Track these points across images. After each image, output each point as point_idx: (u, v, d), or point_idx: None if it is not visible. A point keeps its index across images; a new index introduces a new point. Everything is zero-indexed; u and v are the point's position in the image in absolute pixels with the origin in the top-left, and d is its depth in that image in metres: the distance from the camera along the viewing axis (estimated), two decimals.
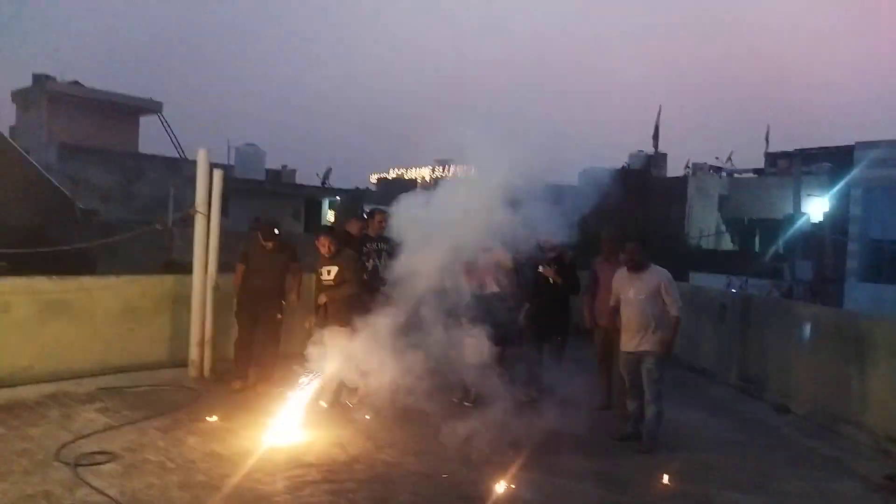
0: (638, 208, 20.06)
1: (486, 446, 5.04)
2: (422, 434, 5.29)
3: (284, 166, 31.01)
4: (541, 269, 6.45)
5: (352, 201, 26.44)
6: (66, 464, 4.20)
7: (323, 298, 5.86)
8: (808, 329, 6.84)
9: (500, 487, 4.28)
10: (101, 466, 4.22)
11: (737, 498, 4.45)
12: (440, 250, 6.83)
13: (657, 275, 5.42)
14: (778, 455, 5.48)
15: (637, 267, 5.45)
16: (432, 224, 6.94)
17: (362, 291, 5.93)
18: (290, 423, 5.11)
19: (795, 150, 23.54)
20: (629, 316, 5.43)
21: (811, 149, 22.17)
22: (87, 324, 6.35)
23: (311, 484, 4.17)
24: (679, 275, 14.16)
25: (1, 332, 5.82)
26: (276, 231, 6.23)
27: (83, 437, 4.72)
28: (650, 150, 24.33)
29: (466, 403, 6.07)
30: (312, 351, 5.41)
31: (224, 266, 6.78)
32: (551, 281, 6.42)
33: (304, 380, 5.55)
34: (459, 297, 6.10)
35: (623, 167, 24.35)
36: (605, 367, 6.45)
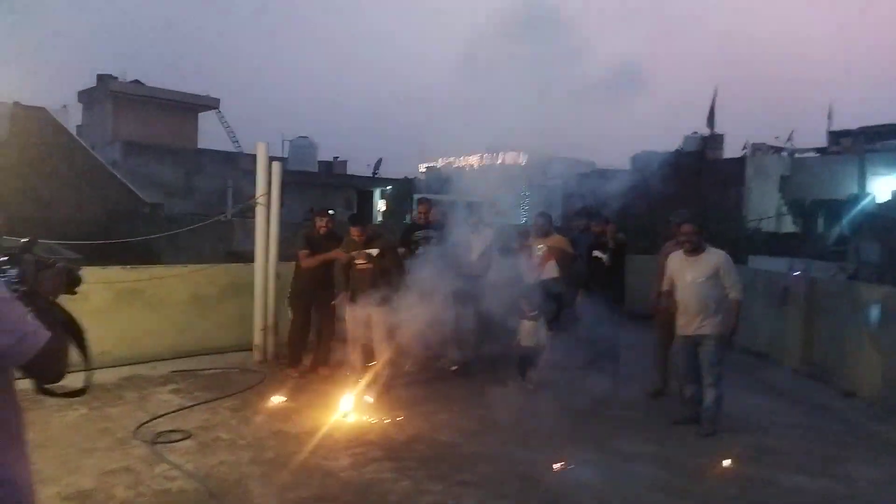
0: (693, 191, 19.59)
1: (544, 428, 5.11)
2: (479, 415, 5.38)
3: (336, 157, 31.50)
4: (596, 253, 6.44)
5: (401, 190, 26.67)
6: (145, 442, 4.47)
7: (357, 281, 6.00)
8: (876, 311, 6.60)
9: (559, 468, 4.34)
10: (177, 444, 4.48)
11: (801, 481, 4.37)
12: (489, 237, 6.95)
13: (715, 257, 5.33)
14: (843, 439, 5.35)
15: (693, 249, 5.37)
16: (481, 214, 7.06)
17: (401, 274, 6.03)
18: (349, 404, 5.28)
19: (859, 127, 22.54)
20: (686, 300, 5.36)
21: (876, 126, 21.17)
22: (158, 311, 6.69)
23: (374, 461, 4.32)
24: (738, 259, 13.81)
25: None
26: (332, 212, 6.44)
27: (159, 416, 5.00)
28: (706, 131, 23.66)
29: (529, 386, 6.14)
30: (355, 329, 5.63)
31: (282, 255, 7.00)
32: (605, 264, 6.41)
33: (358, 363, 5.74)
34: (516, 282, 6.20)
35: (677, 150, 23.80)
36: (663, 352, 6.38)
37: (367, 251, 5.94)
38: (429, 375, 6.53)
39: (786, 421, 5.81)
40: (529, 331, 6.12)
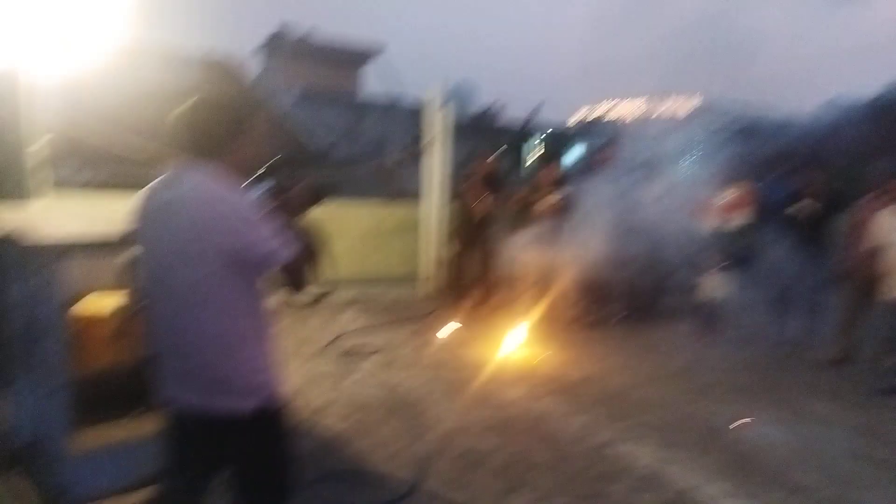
0: (893, 145, 17.20)
1: (726, 381, 4.90)
2: (654, 363, 5.26)
3: (496, 102, 31.43)
4: (803, 204, 5.88)
5: (555, 139, 26.11)
6: (341, 353, 4.90)
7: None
8: None
9: (743, 424, 4.14)
10: (367, 359, 4.85)
11: None
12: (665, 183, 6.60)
13: None
14: None
15: None
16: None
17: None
18: (521, 338, 5.39)
19: None
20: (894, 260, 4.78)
21: None
22: (340, 241, 7.19)
23: (550, 394, 4.39)
24: None
25: None
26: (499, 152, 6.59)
27: (349, 332, 5.44)
28: None
29: (709, 339, 5.91)
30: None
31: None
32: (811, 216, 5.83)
33: (531, 300, 5.80)
34: (695, 233, 5.89)
35: (879, 97, 20.94)
36: (851, 317, 5.71)
37: (554, 194, 6.02)
38: (597, 320, 6.47)
39: None
40: (714, 283, 5.82)
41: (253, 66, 27.97)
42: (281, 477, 1.93)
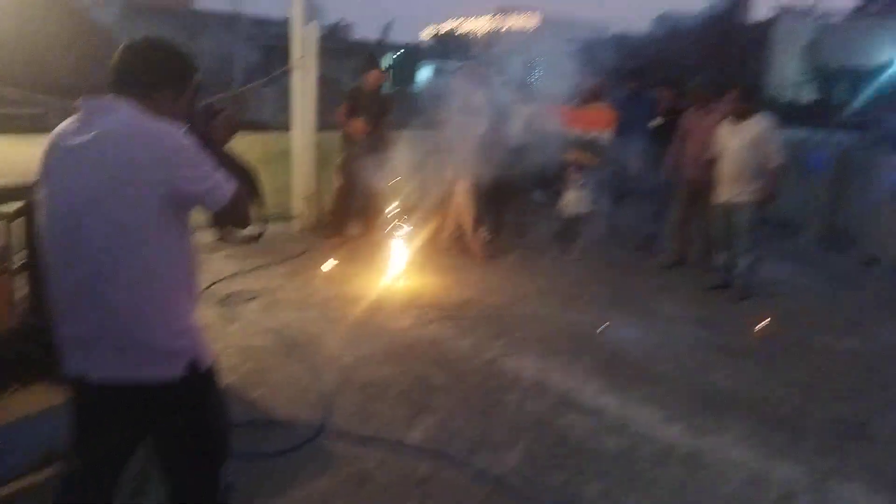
0: (718, 56, 18.94)
1: (587, 293, 5.39)
2: (524, 282, 5.64)
3: (340, 20, 30.11)
4: (658, 120, 6.35)
5: (408, 57, 25.70)
6: (215, 302, 4.73)
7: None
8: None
9: (607, 327, 4.63)
10: (248, 304, 4.75)
11: (831, 341, 4.68)
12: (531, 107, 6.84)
13: (758, 124, 5.27)
14: (867, 304, 5.64)
15: (740, 115, 5.32)
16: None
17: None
18: (400, 269, 5.52)
19: None
20: (727, 166, 5.37)
21: None
22: None
23: (435, 321, 4.60)
24: None
25: None
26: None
27: (221, 279, 5.24)
28: None
29: (572, 255, 6.37)
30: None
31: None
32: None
33: (404, 228, 5.89)
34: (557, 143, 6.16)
35: (703, 12, 22.68)
36: (683, 223, 6.39)
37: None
38: (465, 244, 6.75)
39: (812, 286, 6.09)
40: (575, 199, 6.23)
41: None
42: (218, 442, 1.88)
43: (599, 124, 6.19)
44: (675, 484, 2.86)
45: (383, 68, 6.45)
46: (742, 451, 3.13)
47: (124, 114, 1.64)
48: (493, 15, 39.98)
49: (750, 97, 5.35)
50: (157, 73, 1.73)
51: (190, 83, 1.80)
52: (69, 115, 1.72)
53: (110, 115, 1.64)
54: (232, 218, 1.78)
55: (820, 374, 4.09)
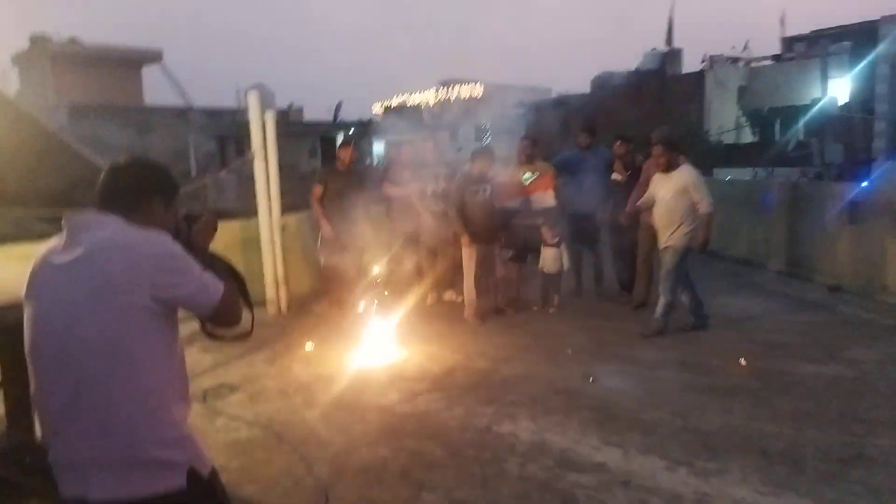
0: (656, 108, 19.85)
1: (571, 347, 5.41)
2: (506, 342, 5.63)
3: (291, 104, 30.64)
4: (616, 176, 6.54)
5: (361, 133, 26.26)
6: (196, 399, 4.58)
7: None
8: (854, 208, 7.01)
9: (592, 380, 4.64)
10: (229, 398, 4.61)
11: (814, 369, 4.77)
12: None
13: (684, 174, 5.52)
14: (839, 329, 5.79)
15: (666, 167, 5.58)
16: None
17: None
18: (381, 342, 5.47)
19: (812, 31, 22.90)
20: (659, 214, 5.63)
21: (829, 28, 21.53)
22: None
23: (422, 393, 4.53)
24: (703, 172, 14.26)
25: None
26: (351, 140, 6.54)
27: (198, 375, 5.09)
28: (664, 47, 23.73)
29: (551, 310, 6.52)
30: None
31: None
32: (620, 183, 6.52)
33: (371, 304, 5.88)
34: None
35: (637, 69, 23.88)
36: (645, 266, 6.55)
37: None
38: (440, 309, 6.77)
39: (783, 318, 6.24)
40: (552, 257, 6.39)
41: (11, 81, 24.52)
42: None
43: (544, 188, 6.43)
44: None
45: (351, 145, 6.61)
46: (747, 492, 3.12)
47: (109, 229, 1.67)
48: (438, 87, 41.32)
49: (674, 149, 5.64)
50: (147, 185, 1.79)
51: (177, 192, 1.86)
52: (18, 224, 1.74)
53: (96, 232, 1.66)
54: (224, 318, 1.80)
55: (807, 403, 4.15)
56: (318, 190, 6.48)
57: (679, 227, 5.47)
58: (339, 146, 6.60)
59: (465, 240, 6.16)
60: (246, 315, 1.91)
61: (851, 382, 4.50)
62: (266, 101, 6.86)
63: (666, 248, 5.57)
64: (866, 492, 3.06)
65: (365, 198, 6.47)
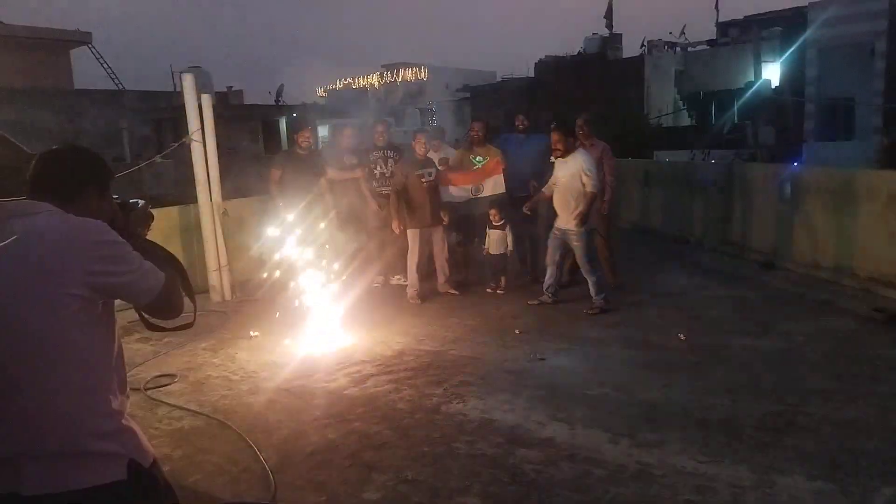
0: (596, 92, 20.17)
1: (518, 327, 5.47)
2: (454, 324, 5.66)
3: (230, 87, 29.75)
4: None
5: (304, 116, 25.77)
6: (135, 389, 4.43)
7: None
8: (787, 187, 7.31)
9: (541, 359, 4.71)
10: (170, 387, 4.48)
11: (749, 343, 4.97)
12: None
13: (579, 158, 5.68)
14: (773, 304, 6.05)
15: (563, 153, 5.72)
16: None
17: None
18: (327, 329, 5.40)
19: (745, 17, 23.62)
20: (556, 198, 5.81)
21: (761, 14, 22.24)
22: None
23: (371, 377, 4.51)
24: (643, 155, 14.62)
25: None
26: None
27: (138, 365, 4.93)
28: (605, 32, 24.10)
29: (499, 292, 6.57)
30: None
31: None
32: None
33: (323, 288, 5.80)
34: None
35: (578, 52, 24.17)
36: (605, 250, 6.60)
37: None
38: (388, 293, 6.75)
39: (720, 294, 6.47)
40: (497, 239, 6.42)
41: None
42: None
43: (496, 172, 6.45)
44: (633, 501, 2.91)
45: (309, 128, 6.48)
46: (687, 460, 3.23)
47: (43, 216, 1.58)
48: (383, 71, 40.92)
49: (569, 134, 5.80)
50: (80, 173, 1.71)
51: (111, 179, 1.78)
52: None
53: (28, 219, 1.57)
54: (164, 308, 1.74)
55: (742, 375, 4.32)
56: (275, 174, 6.34)
57: (575, 209, 5.62)
58: (297, 130, 6.47)
59: (395, 225, 6.20)
60: (188, 304, 1.86)
61: (783, 354, 4.71)
62: (203, 84, 6.64)
63: (568, 231, 5.70)
64: (798, 457, 3.22)
65: (318, 181, 6.37)
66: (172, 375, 4.67)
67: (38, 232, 1.55)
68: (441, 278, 6.62)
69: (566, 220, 5.71)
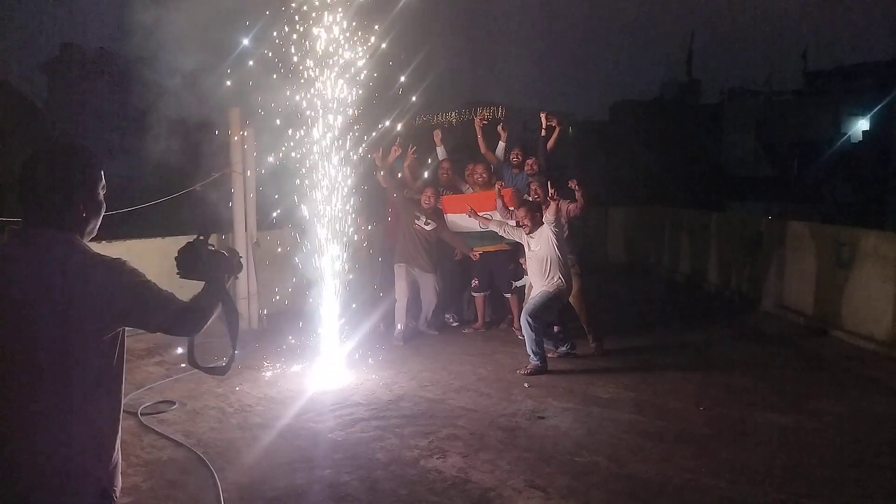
0: (674, 138, 19.65)
1: (521, 380, 5.26)
2: (465, 371, 5.51)
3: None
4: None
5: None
6: (131, 413, 4.53)
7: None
8: (844, 251, 6.77)
9: (539, 417, 4.49)
10: (166, 414, 4.55)
11: (774, 418, 4.54)
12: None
13: (545, 232, 5.50)
14: (814, 376, 5.55)
15: (530, 230, 5.58)
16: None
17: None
18: (337, 366, 5.38)
19: (835, 67, 22.54)
20: (533, 267, 5.65)
21: (852, 65, 21.18)
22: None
23: (361, 421, 4.43)
24: (717, 205, 14.01)
25: None
26: None
27: (145, 388, 5.06)
28: (683, 78, 23.59)
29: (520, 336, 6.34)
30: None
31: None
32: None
33: (344, 326, 5.79)
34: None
35: (656, 98, 23.74)
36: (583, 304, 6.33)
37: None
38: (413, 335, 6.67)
39: (759, 360, 6.00)
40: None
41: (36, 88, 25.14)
42: None
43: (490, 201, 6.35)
44: None
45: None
46: None
47: (60, 250, 1.58)
48: (461, 109, 41.53)
49: (535, 209, 5.63)
50: (70, 179, 1.62)
51: (101, 170, 1.69)
52: None
53: (46, 254, 1.58)
54: (177, 332, 1.77)
55: (754, 455, 3.93)
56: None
57: (548, 277, 5.48)
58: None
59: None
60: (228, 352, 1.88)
61: (807, 435, 4.28)
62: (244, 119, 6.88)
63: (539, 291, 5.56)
64: None
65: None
66: (172, 402, 4.75)
67: (60, 270, 1.55)
68: (422, 319, 6.60)
69: (539, 288, 5.56)
